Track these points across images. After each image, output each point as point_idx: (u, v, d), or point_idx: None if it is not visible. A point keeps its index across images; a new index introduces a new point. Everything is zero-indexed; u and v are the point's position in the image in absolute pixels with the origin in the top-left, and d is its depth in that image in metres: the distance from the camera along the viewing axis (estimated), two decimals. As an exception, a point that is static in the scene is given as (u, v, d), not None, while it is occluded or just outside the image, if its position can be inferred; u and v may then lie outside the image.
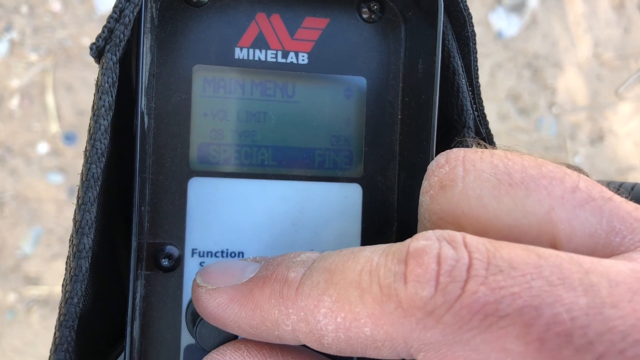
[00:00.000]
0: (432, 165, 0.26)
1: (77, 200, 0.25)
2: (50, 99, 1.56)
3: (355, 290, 0.21)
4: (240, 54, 0.32)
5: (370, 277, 0.21)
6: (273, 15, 0.32)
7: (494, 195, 0.23)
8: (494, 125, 1.89)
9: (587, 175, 0.48)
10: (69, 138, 1.59)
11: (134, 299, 0.29)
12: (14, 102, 1.55)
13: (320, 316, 0.22)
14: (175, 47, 0.31)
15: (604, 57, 2.02)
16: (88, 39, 1.66)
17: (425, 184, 0.26)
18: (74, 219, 0.25)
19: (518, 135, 1.92)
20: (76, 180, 0.25)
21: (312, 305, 0.22)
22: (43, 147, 1.54)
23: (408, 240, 0.22)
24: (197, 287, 0.26)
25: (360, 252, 0.23)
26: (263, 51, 0.32)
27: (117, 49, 0.25)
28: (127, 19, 0.25)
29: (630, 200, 0.37)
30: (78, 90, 1.64)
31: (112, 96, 0.25)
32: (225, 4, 0.31)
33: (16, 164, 1.53)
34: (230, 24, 0.32)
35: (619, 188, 0.37)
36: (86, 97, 1.53)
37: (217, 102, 0.32)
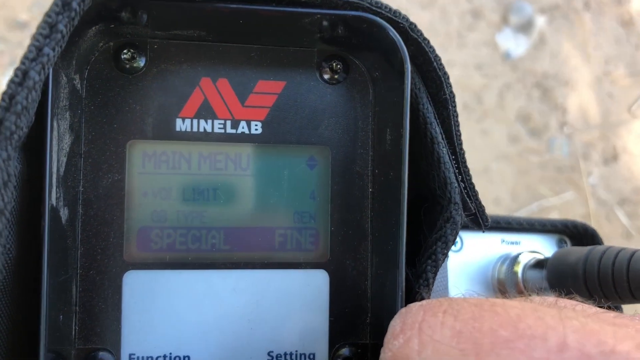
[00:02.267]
0: (388, 334, 0.21)
1: None
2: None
3: None
4: (182, 125, 0.27)
5: None
6: (220, 80, 0.28)
7: None
8: (505, 148, 1.83)
9: (594, 235, 0.42)
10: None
11: None
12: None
13: None
14: (107, 121, 0.27)
15: (615, 75, 1.97)
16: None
17: (381, 356, 0.22)
18: None
19: (529, 156, 1.87)
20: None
21: None
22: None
23: None
24: None
25: None
26: (209, 121, 0.28)
27: (8, 143, 0.21)
28: (19, 106, 0.21)
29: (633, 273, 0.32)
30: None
31: (2, 199, 0.21)
32: (163, 69, 0.27)
33: None
34: (170, 92, 0.27)
35: None
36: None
37: (158, 179, 0.28)
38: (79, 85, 0.26)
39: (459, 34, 1.87)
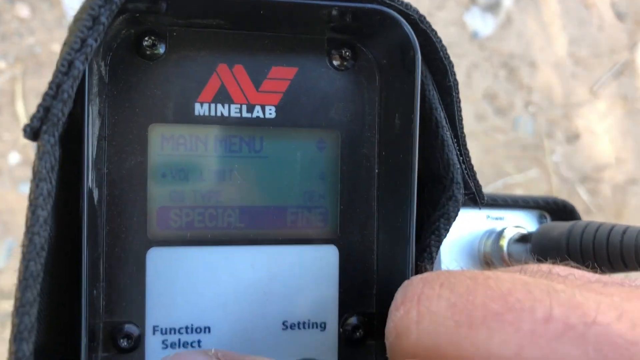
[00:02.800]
0: (392, 306, 0.23)
1: (15, 301, 0.22)
2: (20, 107, 1.51)
3: None
4: (200, 110, 0.29)
5: None
6: (236, 66, 0.29)
7: (452, 342, 0.20)
8: (471, 126, 1.87)
9: (577, 216, 0.45)
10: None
11: None
12: (-20, 115, 1.50)
13: None
14: (129, 105, 0.28)
15: (579, 55, 2.02)
16: (58, 45, 1.61)
17: (387, 326, 0.23)
18: (12, 320, 0.22)
19: (495, 135, 1.91)
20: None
21: None
22: (14, 157, 1.50)
23: None
24: None
25: None
26: (226, 106, 0.29)
27: (55, 129, 0.22)
28: (65, 94, 0.22)
29: (635, 246, 0.34)
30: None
31: (51, 182, 0.22)
32: (182, 56, 0.28)
33: (-16, 178, 1.48)
34: (188, 77, 0.29)
35: (624, 233, 0.34)
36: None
37: (177, 160, 0.29)
38: (104, 72, 0.27)
39: (428, 13, 1.89)
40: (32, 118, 0.22)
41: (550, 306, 0.20)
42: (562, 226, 0.38)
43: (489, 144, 1.91)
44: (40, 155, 0.22)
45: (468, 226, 0.44)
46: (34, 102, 1.49)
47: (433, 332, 0.21)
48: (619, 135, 2.00)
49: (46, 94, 0.22)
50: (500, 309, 0.20)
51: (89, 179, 0.25)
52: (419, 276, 0.24)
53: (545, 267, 0.25)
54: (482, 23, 1.95)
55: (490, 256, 0.43)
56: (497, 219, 0.44)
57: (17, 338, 0.21)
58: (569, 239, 0.37)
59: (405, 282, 0.24)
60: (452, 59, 0.29)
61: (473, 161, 0.31)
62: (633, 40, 2.06)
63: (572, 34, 2.02)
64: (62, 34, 1.61)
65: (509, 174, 1.93)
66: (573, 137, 1.98)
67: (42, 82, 1.53)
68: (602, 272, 0.35)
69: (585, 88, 2.01)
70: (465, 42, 1.95)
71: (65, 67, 0.22)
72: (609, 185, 1.94)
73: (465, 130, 0.30)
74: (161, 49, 0.28)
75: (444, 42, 0.29)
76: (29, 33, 1.60)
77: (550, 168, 1.93)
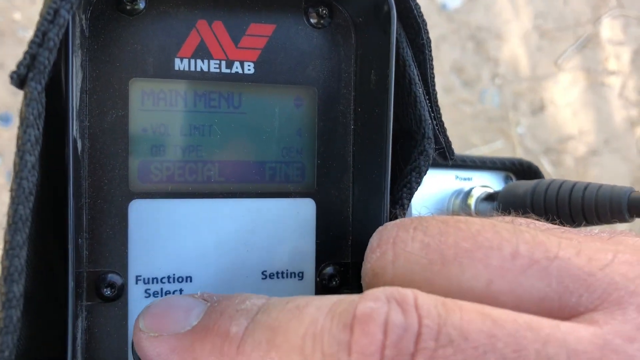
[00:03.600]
0: (368, 249, 0.24)
1: (5, 244, 0.22)
2: (-20, 77, 1.48)
3: (298, 356, 0.20)
4: (180, 65, 0.29)
5: (314, 343, 0.20)
6: (215, 22, 0.30)
7: (427, 278, 0.22)
8: (439, 97, 1.89)
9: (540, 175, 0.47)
10: (4, 119, 1.51)
11: (73, 339, 0.26)
12: (-61, 85, 1.46)
13: None
14: (110, 60, 0.28)
15: (544, 29, 2.05)
16: (20, 14, 1.57)
17: (362, 269, 0.25)
18: (2, 263, 0.22)
19: (462, 107, 1.94)
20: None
21: None
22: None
23: (356, 299, 0.20)
24: (138, 331, 0.24)
25: (305, 309, 0.21)
26: (205, 61, 0.30)
27: (41, 77, 0.22)
28: (51, 42, 0.22)
29: (595, 202, 0.37)
30: (11, 68, 1.54)
31: (38, 129, 0.22)
32: (162, 12, 0.29)
33: (-56, 150, 1.45)
34: (168, 33, 0.29)
35: (585, 189, 0.36)
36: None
37: (157, 115, 0.30)
38: (84, 26, 0.27)
39: (397, -15, 1.89)
40: (19, 65, 0.22)
41: (516, 244, 0.21)
42: (527, 184, 0.40)
43: (456, 116, 1.94)
44: (27, 102, 0.22)
45: (438, 186, 0.45)
46: (-3, 70, 1.46)
47: (408, 270, 0.22)
48: (582, 108, 2.05)
49: (32, 42, 0.22)
50: (470, 247, 0.21)
51: (74, 129, 0.25)
52: (393, 222, 0.25)
53: (508, 218, 0.26)
54: (450, -5, 1.96)
55: (458, 214, 0.44)
56: (465, 179, 0.46)
57: (7, 280, 0.22)
58: (533, 196, 0.39)
59: (380, 227, 0.25)
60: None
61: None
62: (597, 14, 2.10)
63: (538, 7, 2.04)
64: (23, 3, 1.57)
65: (475, 145, 1.97)
66: (538, 110, 2.02)
67: (3, 52, 1.50)
68: (564, 226, 0.37)
69: (550, 61, 2.04)
70: (433, 14, 1.97)
71: (51, 15, 0.22)
72: (572, 156, 2.00)
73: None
74: (141, 4, 0.28)
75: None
76: (-12, 1, 1.55)
77: (515, 140, 1.97)
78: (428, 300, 0.20)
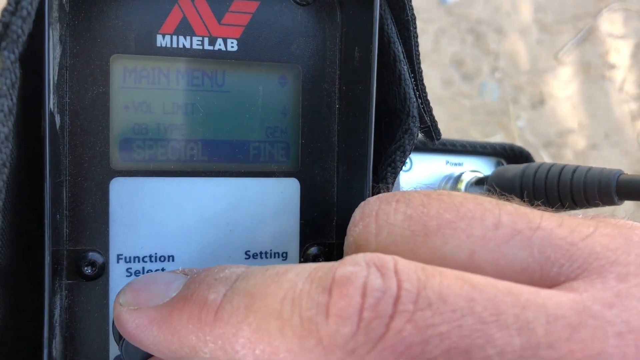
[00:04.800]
0: (350, 223, 0.24)
1: None
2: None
3: (275, 320, 0.20)
4: (162, 41, 0.29)
5: (292, 306, 0.20)
6: None
7: (410, 249, 0.21)
8: (438, 91, 1.89)
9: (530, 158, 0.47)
10: None
11: (50, 316, 0.26)
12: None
13: (239, 346, 0.20)
14: (91, 35, 0.28)
15: (544, 22, 2.05)
16: None
17: (345, 242, 0.24)
18: None
19: (462, 100, 1.93)
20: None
21: (231, 334, 0.20)
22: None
23: (336, 264, 0.20)
24: (118, 306, 0.24)
25: (285, 275, 0.21)
26: (188, 38, 0.29)
27: (14, 46, 0.22)
28: (24, 11, 0.22)
29: (584, 184, 0.36)
30: None
31: (12, 99, 0.22)
32: None
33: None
34: (150, 8, 0.29)
35: (574, 172, 0.36)
36: None
37: (139, 93, 0.29)
38: (64, 0, 0.27)
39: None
40: None
41: (499, 214, 0.21)
42: (516, 168, 0.40)
43: (455, 109, 1.94)
44: (0, 72, 0.22)
45: (428, 171, 0.45)
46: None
47: (391, 242, 0.22)
48: (582, 101, 2.04)
49: (5, 10, 0.22)
50: (453, 218, 0.21)
51: (50, 102, 0.25)
52: (376, 196, 0.25)
53: (493, 198, 0.26)
54: (450, -12, 1.95)
55: (448, 199, 0.44)
56: (456, 164, 0.46)
57: None
58: (522, 179, 0.38)
59: (362, 202, 0.25)
60: (420, 24, 0.30)
61: (440, 126, 0.32)
62: (597, 8, 2.09)
63: (538, 0, 2.04)
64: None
65: (475, 139, 1.96)
66: (537, 103, 2.01)
67: None
68: (553, 209, 0.37)
69: (550, 54, 2.04)
70: (433, 7, 1.96)
71: None
72: (571, 150, 1.99)
73: (432, 96, 0.31)
74: None
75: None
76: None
77: (515, 133, 1.97)
78: (408, 265, 0.19)
